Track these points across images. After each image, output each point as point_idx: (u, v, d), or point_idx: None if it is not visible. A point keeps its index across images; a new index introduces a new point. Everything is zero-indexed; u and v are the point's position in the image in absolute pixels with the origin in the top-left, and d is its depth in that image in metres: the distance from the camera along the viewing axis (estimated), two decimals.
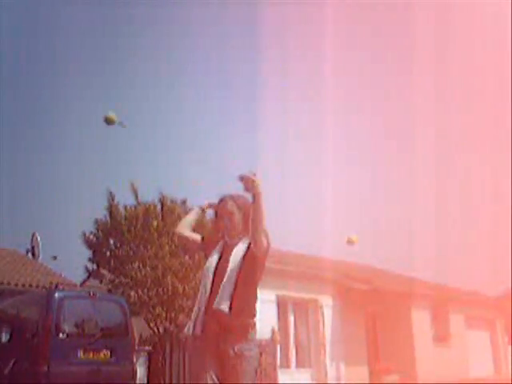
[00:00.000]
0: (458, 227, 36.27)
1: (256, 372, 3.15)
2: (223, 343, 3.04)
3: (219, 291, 3.08)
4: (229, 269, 3.13)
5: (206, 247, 3.39)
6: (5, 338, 9.90)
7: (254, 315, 3.16)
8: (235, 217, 3.29)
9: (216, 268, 3.19)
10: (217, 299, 3.06)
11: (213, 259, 3.22)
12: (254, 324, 3.14)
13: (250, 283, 3.15)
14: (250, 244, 3.19)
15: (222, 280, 3.10)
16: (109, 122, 3.96)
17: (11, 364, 9.07)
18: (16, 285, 14.30)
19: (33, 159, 36.40)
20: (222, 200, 3.37)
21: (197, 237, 3.46)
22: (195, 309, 3.16)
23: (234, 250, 3.20)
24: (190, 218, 3.54)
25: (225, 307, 3.05)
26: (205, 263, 3.30)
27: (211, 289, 3.13)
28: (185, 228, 3.49)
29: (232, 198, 3.35)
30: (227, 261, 3.17)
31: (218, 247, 3.28)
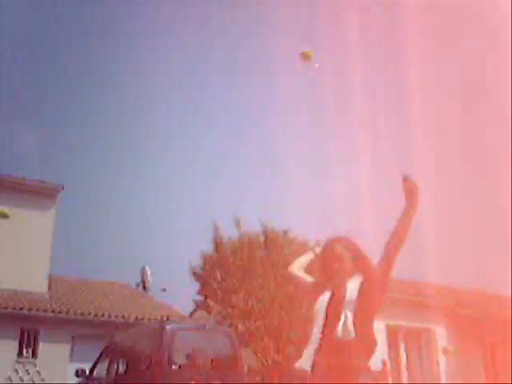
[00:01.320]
0: None
1: None
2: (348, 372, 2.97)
3: (340, 322, 3.00)
4: (346, 301, 3.05)
5: (315, 290, 3.32)
6: (122, 368, 10.27)
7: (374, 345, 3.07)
8: (344, 259, 3.21)
9: (328, 305, 3.11)
10: (341, 328, 2.98)
11: (324, 298, 3.14)
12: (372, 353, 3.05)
13: (369, 314, 3.07)
14: (362, 280, 3.12)
15: (337, 314, 3.03)
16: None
17: None
18: (129, 317, 14.84)
19: (138, 193, 38.04)
20: (328, 242, 3.30)
21: (309, 279, 3.47)
22: (311, 346, 3.06)
23: (349, 287, 3.11)
24: (304, 260, 3.65)
25: (350, 334, 2.99)
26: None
27: (324, 325, 3.05)
28: (298, 268, 3.59)
29: (339, 239, 3.28)
30: (339, 297, 3.09)
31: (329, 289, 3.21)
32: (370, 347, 3.06)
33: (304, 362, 3.04)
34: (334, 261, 3.20)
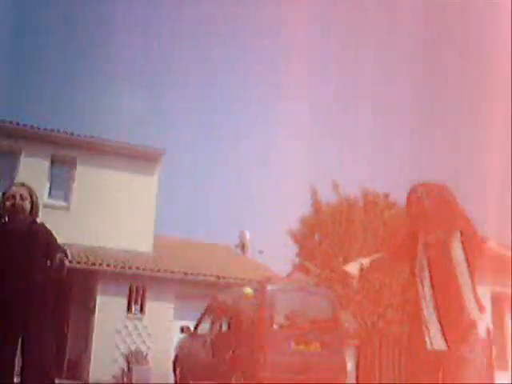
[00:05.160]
0: None
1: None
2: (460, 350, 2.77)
3: (467, 299, 2.72)
4: (459, 270, 2.76)
5: (395, 258, 3.15)
6: (224, 327, 10.63)
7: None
8: (425, 203, 2.85)
9: (429, 266, 2.82)
10: (470, 307, 2.73)
11: (423, 258, 2.85)
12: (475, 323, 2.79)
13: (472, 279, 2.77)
14: (461, 237, 2.77)
15: (447, 281, 2.75)
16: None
17: (231, 352, 9.70)
18: (230, 278, 15.26)
19: (238, 161, 38.63)
20: (411, 188, 2.99)
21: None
22: (429, 318, 2.79)
23: (453, 246, 2.75)
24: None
25: (478, 314, 2.76)
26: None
27: (433, 293, 2.78)
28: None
29: (422, 185, 2.96)
30: (443, 259, 2.77)
31: (420, 247, 2.87)
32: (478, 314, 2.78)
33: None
34: (413, 205, 2.90)
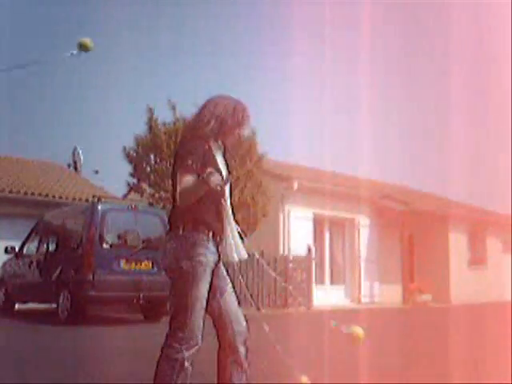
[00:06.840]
0: (494, 149, 35.37)
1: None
2: None
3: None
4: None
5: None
6: (51, 247, 10.33)
7: None
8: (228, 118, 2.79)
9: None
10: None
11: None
12: None
13: None
14: None
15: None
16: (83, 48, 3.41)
17: (58, 271, 9.50)
18: (60, 197, 14.69)
19: (73, 75, 36.55)
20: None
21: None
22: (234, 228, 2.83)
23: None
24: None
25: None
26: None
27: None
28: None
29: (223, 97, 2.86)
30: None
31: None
32: None
33: None
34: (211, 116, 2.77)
